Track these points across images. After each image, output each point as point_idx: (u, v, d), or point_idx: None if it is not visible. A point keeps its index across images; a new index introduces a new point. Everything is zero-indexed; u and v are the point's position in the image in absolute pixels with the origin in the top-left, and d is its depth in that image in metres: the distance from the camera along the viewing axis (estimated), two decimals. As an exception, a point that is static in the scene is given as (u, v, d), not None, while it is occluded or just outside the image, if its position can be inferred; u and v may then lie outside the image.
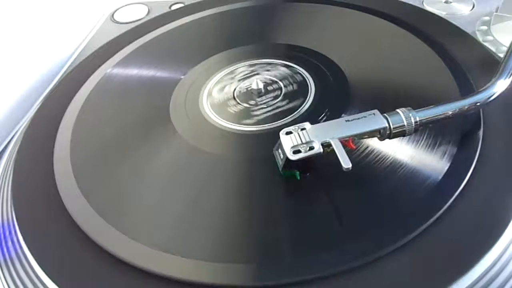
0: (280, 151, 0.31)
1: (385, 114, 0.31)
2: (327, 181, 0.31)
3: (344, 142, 0.30)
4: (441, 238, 0.27)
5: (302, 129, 0.31)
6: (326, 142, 0.30)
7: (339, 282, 0.26)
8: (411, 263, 0.26)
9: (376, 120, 0.31)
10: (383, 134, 0.31)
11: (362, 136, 0.31)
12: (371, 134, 0.31)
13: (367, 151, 0.32)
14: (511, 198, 0.29)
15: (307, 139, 0.30)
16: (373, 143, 0.32)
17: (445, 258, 0.26)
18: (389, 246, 0.27)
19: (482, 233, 0.27)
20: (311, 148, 0.30)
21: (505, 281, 0.26)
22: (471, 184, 0.30)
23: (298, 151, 0.30)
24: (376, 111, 0.31)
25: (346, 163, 0.28)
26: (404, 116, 0.30)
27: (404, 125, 0.30)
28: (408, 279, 0.26)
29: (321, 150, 0.29)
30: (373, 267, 0.26)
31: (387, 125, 0.30)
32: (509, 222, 0.27)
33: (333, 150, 0.29)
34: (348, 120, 0.31)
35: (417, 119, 0.30)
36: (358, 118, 0.31)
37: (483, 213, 0.28)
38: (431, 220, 0.28)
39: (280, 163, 0.31)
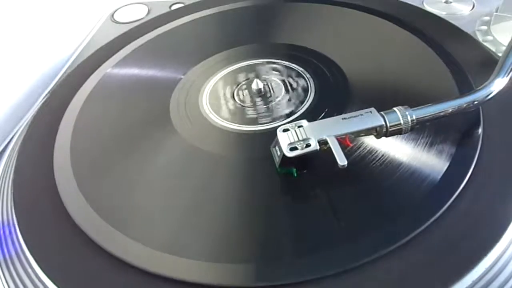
0: (277, 148, 0.31)
1: (381, 112, 0.31)
2: (327, 182, 0.31)
3: (341, 140, 0.30)
4: (441, 238, 0.27)
5: (299, 127, 0.31)
6: (323, 140, 0.30)
7: (339, 282, 0.26)
8: (411, 263, 0.26)
9: (372, 118, 0.31)
10: (380, 132, 0.31)
11: (358, 133, 0.31)
12: (367, 132, 0.31)
13: (366, 150, 0.32)
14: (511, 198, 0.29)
15: (304, 136, 0.30)
16: (373, 142, 0.32)
17: (445, 258, 0.26)
18: (389, 246, 0.27)
19: (482, 233, 0.27)
20: (308, 145, 0.30)
21: (505, 281, 0.26)
22: (471, 183, 0.29)
23: (295, 148, 0.30)
24: (373, 109, 0.31)
25: (341, 160, 0.28)
26: (401, 114, 0.30)
27: (400, 123, 0.30)
28: (408, 279, 0.26)
29: (318, 147, 0.29)
30: (373, 267, 0.26)
31: (383, 123, 0.30)
32: (509, 222, 0.27)
33: (329, 148, 0.29)
34: (345, 118, 0.31)
35: (414, 117, 0.30)
36: (355, 116, 0.31)
37: (483, 213, 0.28)
38: (431, 220, 0.28)
39: (277, 160, 0.31)
